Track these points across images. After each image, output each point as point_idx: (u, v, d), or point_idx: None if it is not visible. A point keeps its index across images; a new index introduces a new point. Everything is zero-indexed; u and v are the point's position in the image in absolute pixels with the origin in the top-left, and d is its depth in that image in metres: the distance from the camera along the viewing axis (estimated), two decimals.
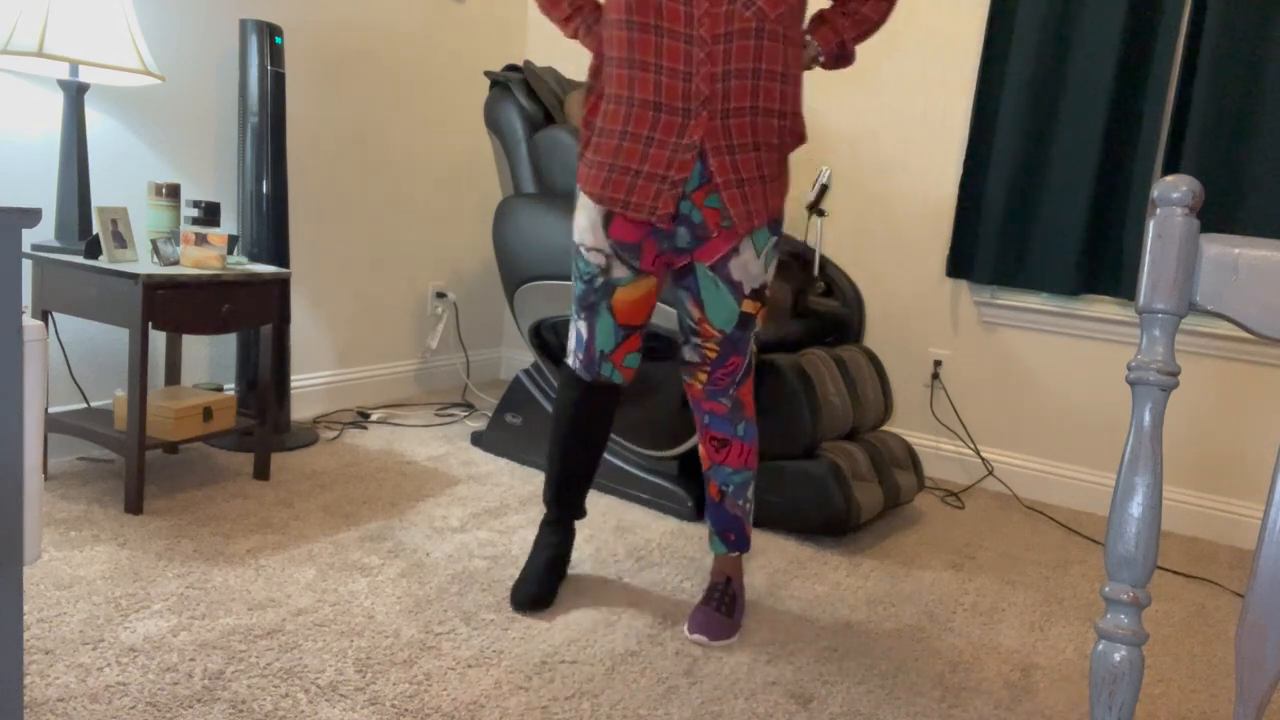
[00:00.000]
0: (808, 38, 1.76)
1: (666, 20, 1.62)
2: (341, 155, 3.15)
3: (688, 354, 1.85)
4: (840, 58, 1.80)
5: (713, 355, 1.82)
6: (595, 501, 2.58)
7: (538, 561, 1.95)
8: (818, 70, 3.37)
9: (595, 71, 1.76)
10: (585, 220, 1.77)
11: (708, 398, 1.87)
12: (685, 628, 1.85)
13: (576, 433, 1.91)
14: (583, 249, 1.79)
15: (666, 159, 1.67)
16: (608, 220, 1.74)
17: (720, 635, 1.82)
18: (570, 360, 1.88)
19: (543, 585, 1.90)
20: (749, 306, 1.79)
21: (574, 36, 1.82)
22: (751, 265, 1.76)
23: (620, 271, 1.77)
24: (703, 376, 1.84)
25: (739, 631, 1.88)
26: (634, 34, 1.64)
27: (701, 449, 1.92)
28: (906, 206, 3.24)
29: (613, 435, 2.66)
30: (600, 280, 1.78)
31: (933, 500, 2.97)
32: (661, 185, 1.68)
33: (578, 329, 1.85)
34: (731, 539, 1.95)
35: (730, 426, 1.88)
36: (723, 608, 1.87)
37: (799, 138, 1.77)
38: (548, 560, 1.95)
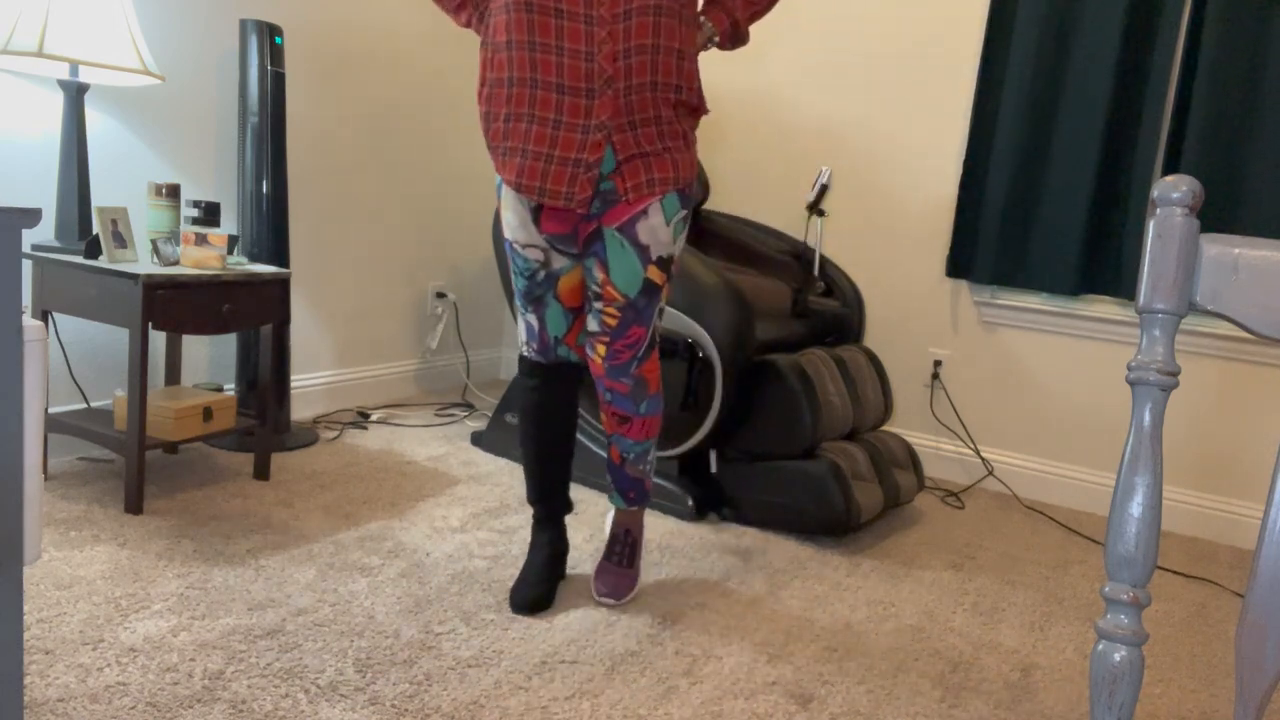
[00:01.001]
0: (702, 18, 1.80)
1: (565, 3, 1.63)
2: (341, 155, 3.15)
3: (590, 323, 1.85)
4: (734, 37, 1.84)
5: (613, 323, 1.80)
6: (595, 502, 2.58)
7: (535, 562, 1.96)
8: (817, 70, 3.37)
9: (487, 61, 1.74)
10: (514, 217, 1.78)
11: (609, 375, 1.84)
12: (592, 590, 1.97)
13: (545, 421, 1.93)
14: (517, 246, 1.80)
15: (578, 142, 1.68)
16: (537, 215, 1.75)
17: (624, 591, 1.95)
18: (524, 351, 1.92)
19: (541, 586, 1.91)
20: (654, 274, 1.78)
21: (466, 25, 1.80)
22: (660, 231, 1.76)
23: (559, 262, 1.81)
24: (601, 349, 1.83)
25: (639, 580, 2.02)
26: (533, 16, 1.64)
27: (602, 415, 1.93)
28: (906, 207, 3.24)
29: None
30: (542, 274, 1.82)
31: (933, 500, 2.97)
32: (576, 169, 1.69)
33: (526, 322, 1.88)
34: (631, 496, 2.00)
35: (632, 405, 1.87)
36: (624, 561, 1.99)
37: (697, 110, 1.79)
38: (544, 560, 1.96)
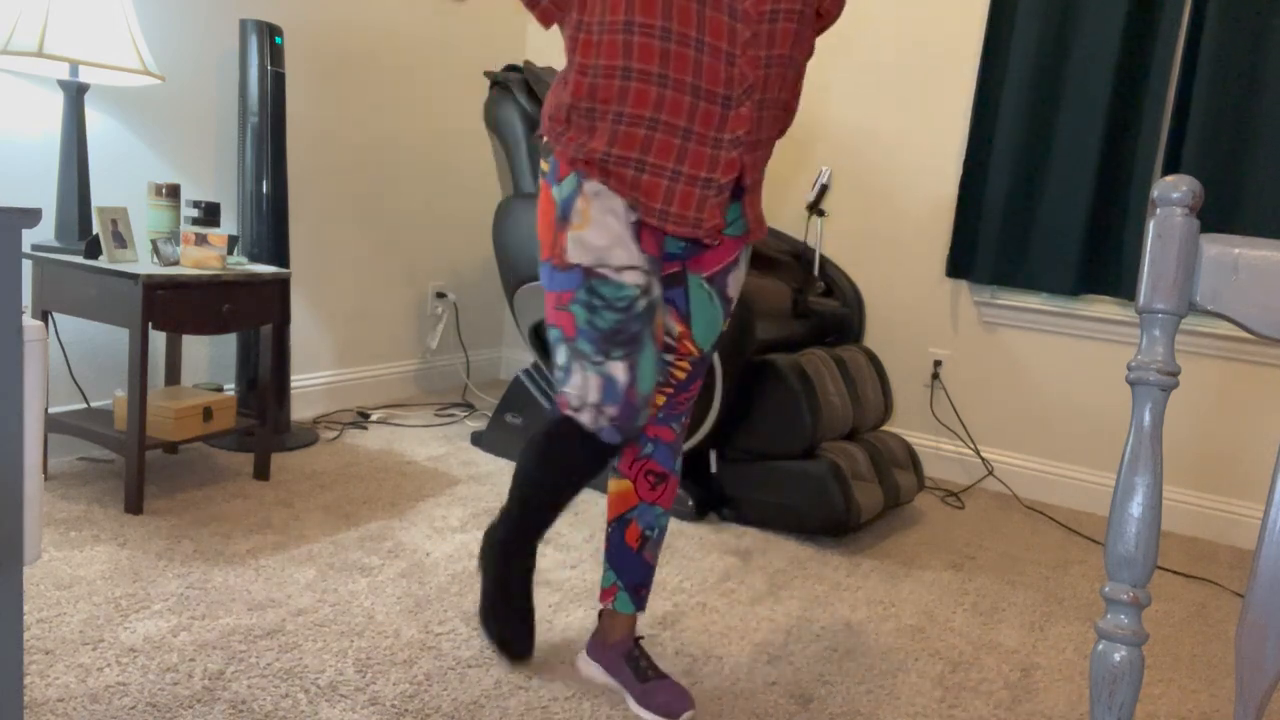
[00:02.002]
0: None
1: None
2: (341, 155, 3.15)
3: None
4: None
5: (683, 376, 1.57)
6: (595, 502, 2.58)
7: (522, 609, 1.66)
8: (818, 70, 3.37)
9: (586, 45, 1.39)
10: (607, 235, 1.40)
11: (659, 421, 1.58)
12: (649, 715, 1.55)
13: (576, 483, 1.56)
14: (609, 271, 1.40)
15: (708, 158, 1.40)
16: (638, 231, 1.43)
17: (689, 698, 1.56)
18: (590, 418, 1.44)
19: (532, 630, 1.68)
20: (726, 325, 1.60)
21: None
22: (741, 278, 1.58)
23: (657, 289, 1.45)
24: (661, 399, 1.57)
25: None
26: None
27: (631, 486, 1.61)
28: (906, 206, 3.24)
29: None
30: (643, 304, 1.42)
31: (933, 500, 2.97)
32: (706, 191, 1.41)
33: (605, 376, 1.42)
34: (643, 594, 1.64)
35: (672, 459, 1.61)
36: (657, 670, 1.60)
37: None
38: (529, 596, 1.68)
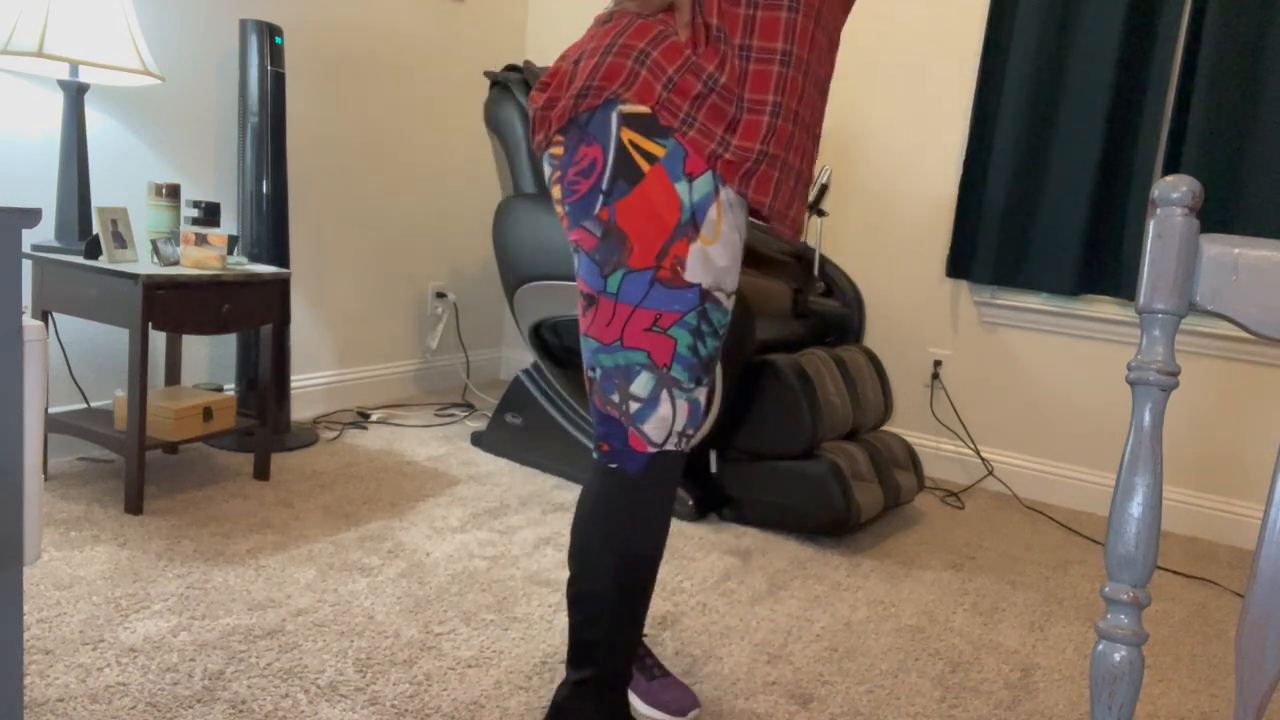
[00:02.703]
0: None
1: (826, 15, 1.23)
2: (341, 155, 3.15)
3: None
4: None
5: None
6: None
7: None
8: None
9: (747, 20, 1.18)
10: (729, 254, 1.23)
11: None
12: (655, 713, 1.54)
13: (658, 537, 1.31)
14: (723, 296, 1.25)
15: (807, 152, 1.27)
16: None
17: (695, 699, 1.56)
18: (675, 445, 1.27)
19: None
20: None
21: None
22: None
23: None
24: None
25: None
26: (802, 20, 1.20)
27: None
28: (906, 206, 3.24)
29: None
30: (726, 325, 1.29)
31: (933, 500, 2.97)
32: (799, 186, 1.27)
33: (693, 401, 1.27)
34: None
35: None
36: (669, 673, 1.60)
37: None
38: None
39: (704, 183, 1.19)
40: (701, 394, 1.26)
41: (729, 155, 1.18)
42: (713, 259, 1.21)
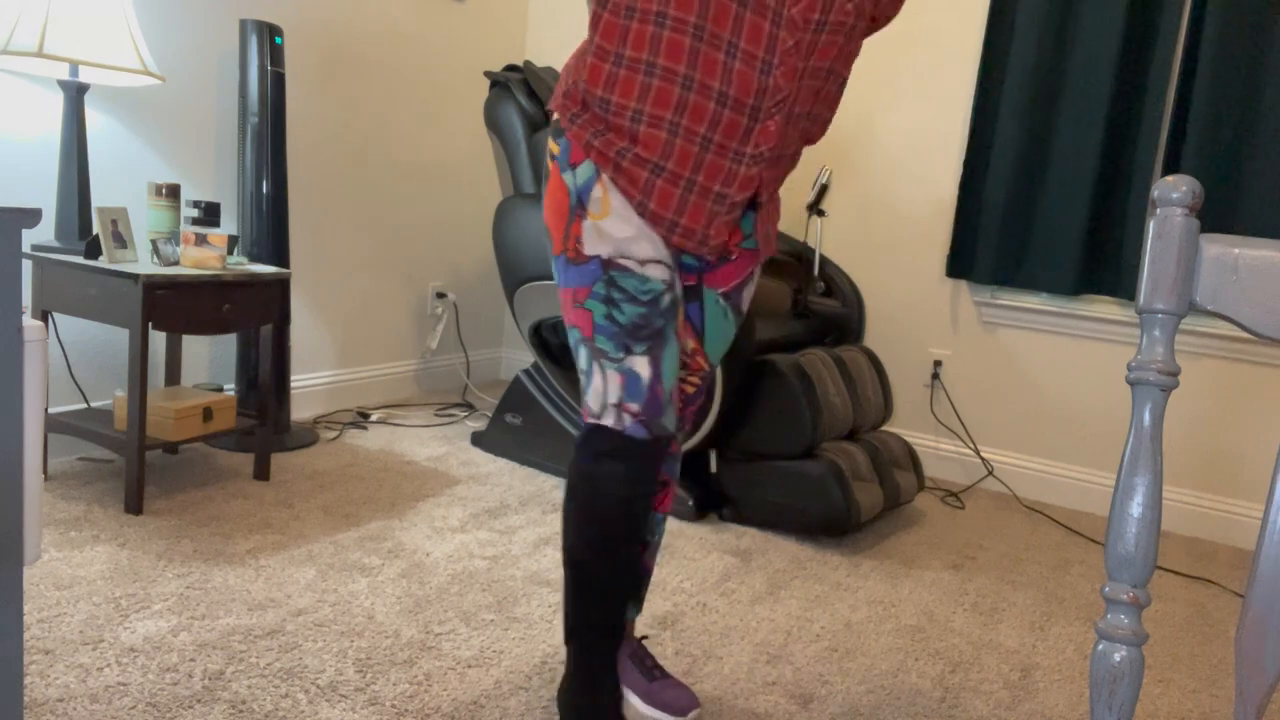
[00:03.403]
0: None
1: None
2: (341, 155, 3.15)
3: None
4: None
5: (691, 390, 1.51)
6: None
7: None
8: None
9: (610, 28, 1.26)
10: (628, 226, 1.31)
11: (675, 437, 1.53)
12: (656, 713, 1.53)
13: (634, 522, 1.35)
14: (632, 263, 1.31)
15: (726, 172, 1.30)
16: None
17: (695, 699, 1.56)
18: (612, 419, 1.32)
19: None
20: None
21: None
22: (752, 292, 1.53)
23: (679, 287, 1.37)
24: (672, 412, 1.41)
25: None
26: None
27: None
28: (906, 206, 3.24)
29: None
30: (668, 299, 1.33)
31: (933, 500, 2.97)
32: (717, 207, 1.31)
33: (627, 372, 1.31)
34: (641, 596, 1.62)
35: (675, 466, 1.57)
36: (668, 674, 1.58)
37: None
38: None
39: (586, 168, 1.32)
40: (637, 364, 1.30)
41: (599, 145, 1.30)
42: (607, 230, 1.31)
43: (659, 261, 1.31)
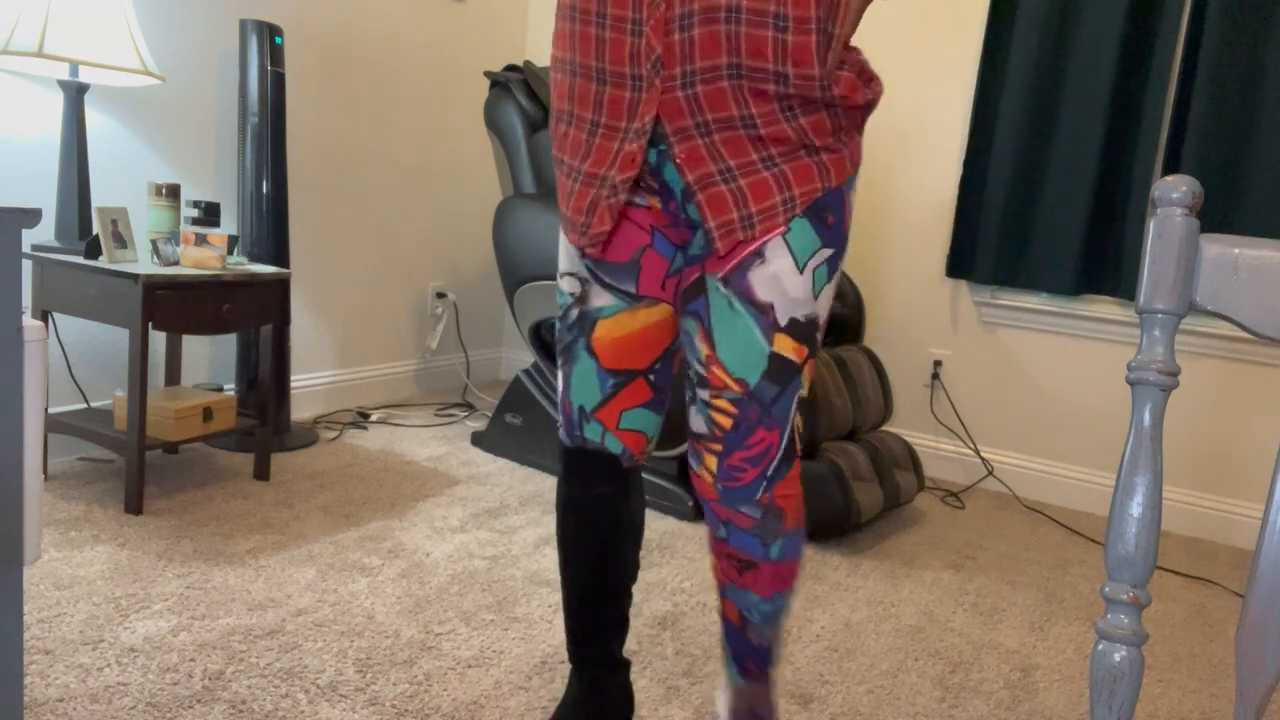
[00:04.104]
0: None
1: None
2: (341, 155, 3.15)
3: (693, 421, 1.20)
4: None
5: (727, 423, 1.15)
6: None
7: None
8: None
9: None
10: (564, 240, 1.28)
11: (723, 500, 1.18)
12: None
13: (573, 541, 1.33)
14: (561, 278, 1.29)
15: (611, 152, 1.15)
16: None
17: None
18: (563, 431, 1.32)
19: None
20: (785, 346, 1.13)
21: None
22: (788, 280, 1.13)
23: (601, 299, 1.23)
24: (711, 461, 1.17)
25: None
26: None
27: (712, 558, 1.27)
28: (906, 207, 3.24)
29: None
30: (575, 313, 1.25)
31: (933, 500, 2.97)
32: (599, 191, 1.17)
33: (560, 385, 1.31)
34: (751, 668, 1.31)
35: (760, 545, 1.19)
36: None
37: (843, 101, 1.11)
38: None
39: None
40: (561, 378, 1.30)
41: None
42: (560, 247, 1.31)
43: (570, 274, 1.26)
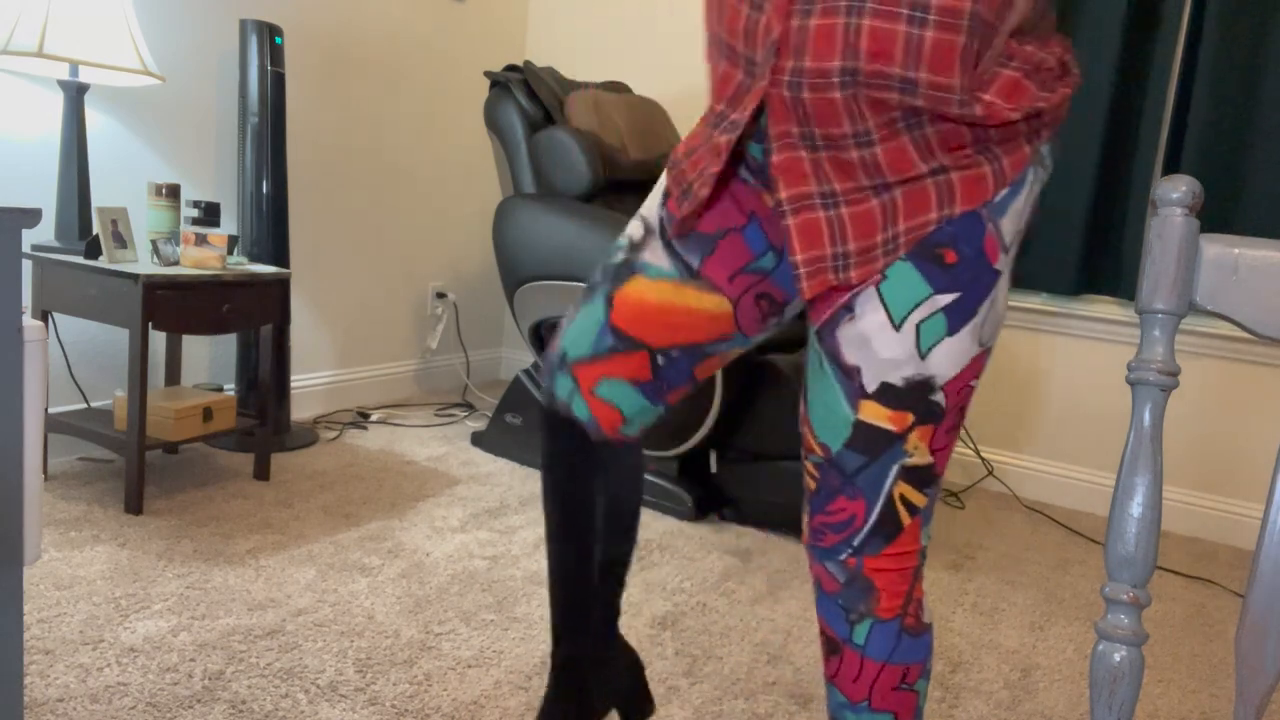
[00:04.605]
0: None
1: None
2: (341, 155, 3.15)
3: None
4: None
5: (812, 485, 1.03)
6: None
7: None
8: None
9: None
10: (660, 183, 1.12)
11: (811, 552, 1.05)
12: None
13: (546, 491, 1.22)
14: (633, 219, 1.14)
15: (706, 138, 1.02)
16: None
17: None
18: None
19: None
20: (875, 414, 0.95)
21: None
22: (877, 338, 0.93)
23: (656, 257, 1.07)
24: (805, 516, 1.06)
25: None
26: None
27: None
28: None
29: None
30: (620, 258, 1.11)
31: None
32: (717, 136, 0.99)
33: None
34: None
35: (842, 621, 1.02)
36: None
37: (979, 119, 0.86)
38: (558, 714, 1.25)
39: None
40: (563, 321, 1.17)
41: None
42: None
43: (643, 217, 1.11)
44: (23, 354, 0.88)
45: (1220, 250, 0.72)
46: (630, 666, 1.31)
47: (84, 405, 2.45)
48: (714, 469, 2.55)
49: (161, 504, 2.21)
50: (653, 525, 2.43)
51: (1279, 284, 0.70)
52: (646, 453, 2.59)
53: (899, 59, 0.84)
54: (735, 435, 2.50)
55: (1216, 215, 2.74)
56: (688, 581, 2.11)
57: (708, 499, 2.55)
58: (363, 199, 3.25)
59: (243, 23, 2.64)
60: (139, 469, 2.11)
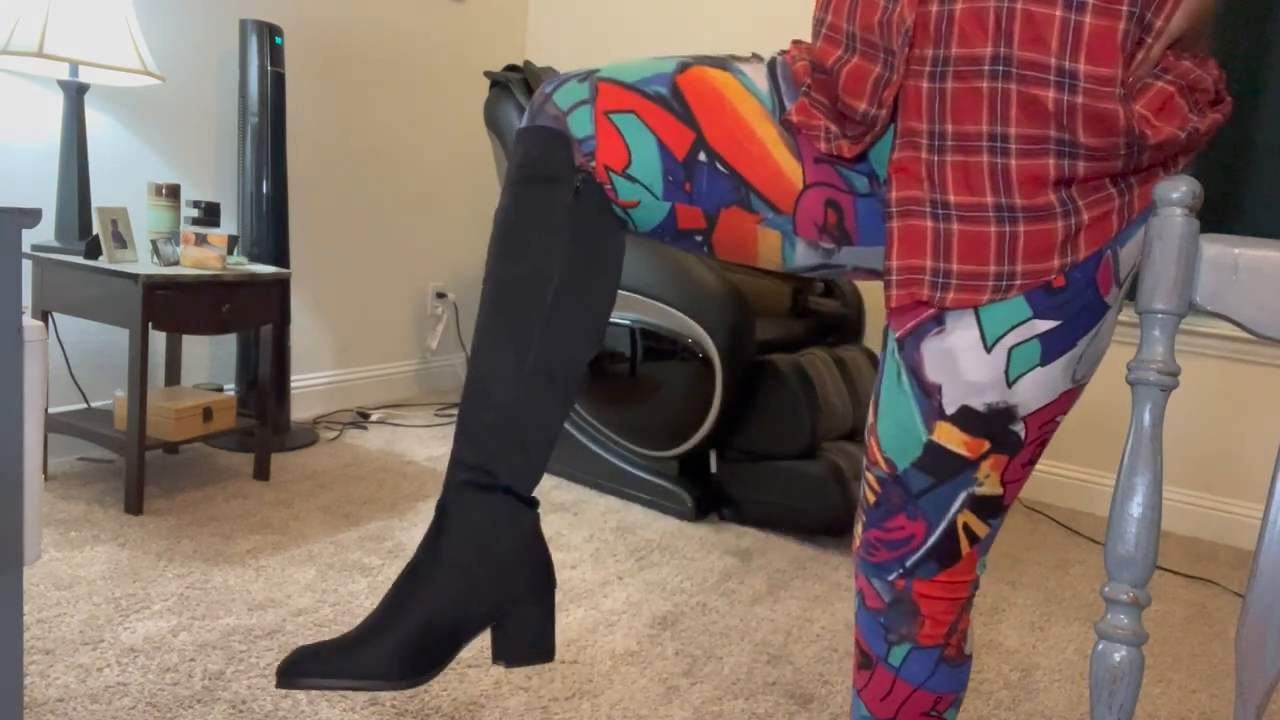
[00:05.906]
0: None
1: None
2: (341, 155, 3.15)
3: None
4: None
5: (871, 498, 0.97)
6: (595, 502, 2.58)
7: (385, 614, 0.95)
8: None
9: None
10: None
11: (859, 565, 1.00)
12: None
13: (494, 252, 0.93)
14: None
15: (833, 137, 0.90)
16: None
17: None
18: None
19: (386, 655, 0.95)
20: (950, 437, 0.89)
21: None
22: (965, 357, 0.86)
23: (755, 73, 0.93)
24: (859, 527, 1.00)
25: None
26: None
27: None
28: None
29: (612, 434, 2.66)
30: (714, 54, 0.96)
31: None
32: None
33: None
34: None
35: (880, 638, 0.98)
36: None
37: (1135, 125, 0.78)
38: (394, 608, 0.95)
39: None
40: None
41: None
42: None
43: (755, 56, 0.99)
44: (23, 354, 0.88)
45: (1220, 250, 0.72)
46: (543, 568, 0.96)
47: (84, 405, 2.46)
48: (714, 469, 2.55)
49: (161, 504, 2.21)
50: (653, 525, 2.43)
51: (1279, 284, 0.70)
52: (647, 453, 2.59)
53: (1054, 46, 0.78)
54: (735, 435, 2.50)
55: (1216, 215, 2.74)
56: (688, 581, 2.11)
57: (708, 499, 2.55)
58: (363, 199, 3.25)
59: (243, 23, 2.65)
60: (139, 469, 2.11)
